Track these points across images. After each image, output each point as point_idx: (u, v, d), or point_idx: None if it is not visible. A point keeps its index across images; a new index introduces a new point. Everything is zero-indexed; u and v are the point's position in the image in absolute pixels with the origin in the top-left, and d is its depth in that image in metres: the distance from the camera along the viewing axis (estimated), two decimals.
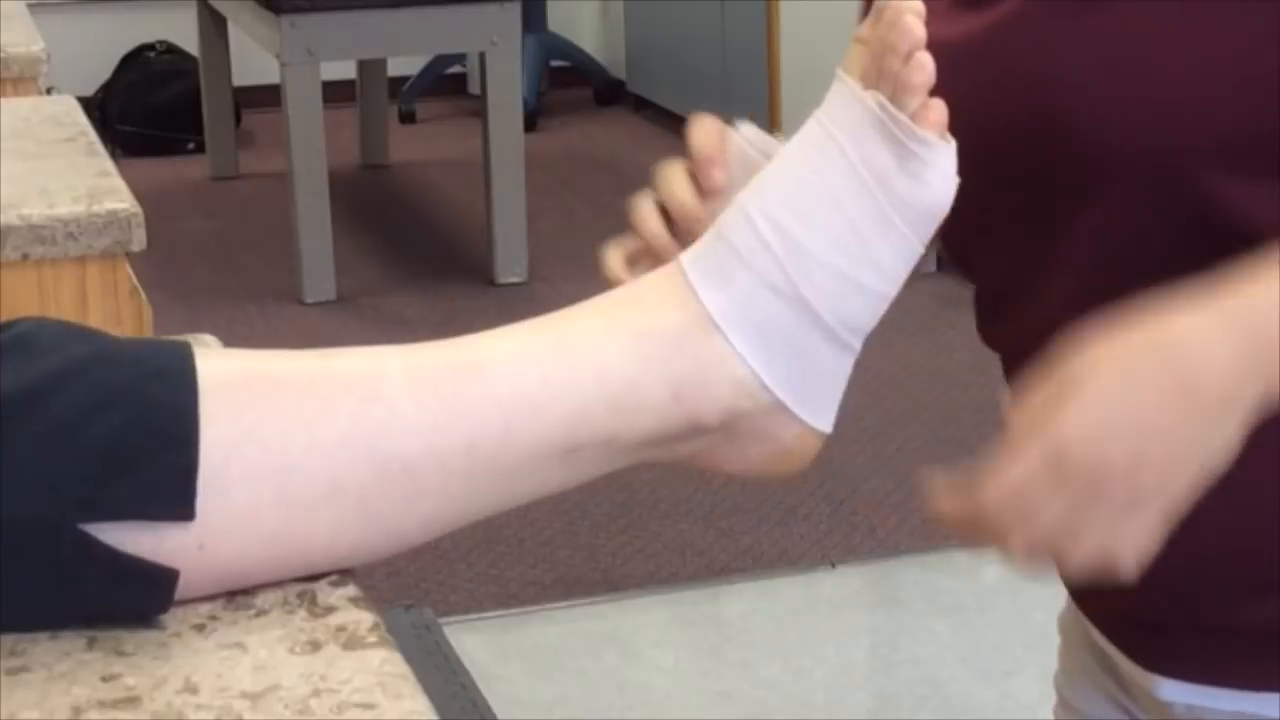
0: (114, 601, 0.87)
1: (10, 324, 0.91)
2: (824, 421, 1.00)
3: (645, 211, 1.06)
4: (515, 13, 4.78)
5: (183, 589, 0.88)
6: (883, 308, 0.99)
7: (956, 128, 0.97)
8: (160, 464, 0.86)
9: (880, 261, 0.97)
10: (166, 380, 0.88)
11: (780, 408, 0.98)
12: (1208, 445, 0.93)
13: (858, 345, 0.99)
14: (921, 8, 0.97)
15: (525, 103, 5.04)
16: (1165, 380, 0.93)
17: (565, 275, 4.91)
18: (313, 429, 0.90)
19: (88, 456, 0.85)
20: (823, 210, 0.97)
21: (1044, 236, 1.12)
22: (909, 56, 0.95)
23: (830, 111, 0.98)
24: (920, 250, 0.99)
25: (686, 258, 0.98)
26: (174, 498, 0.86)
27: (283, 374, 0.92)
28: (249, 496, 0.88)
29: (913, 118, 0.96)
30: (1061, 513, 0.94)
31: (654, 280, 0.98)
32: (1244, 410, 0.93)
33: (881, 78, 0.97)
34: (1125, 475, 0.92)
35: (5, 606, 0.86)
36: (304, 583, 0.92)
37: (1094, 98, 1.06)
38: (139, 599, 0.88)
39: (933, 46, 0.96)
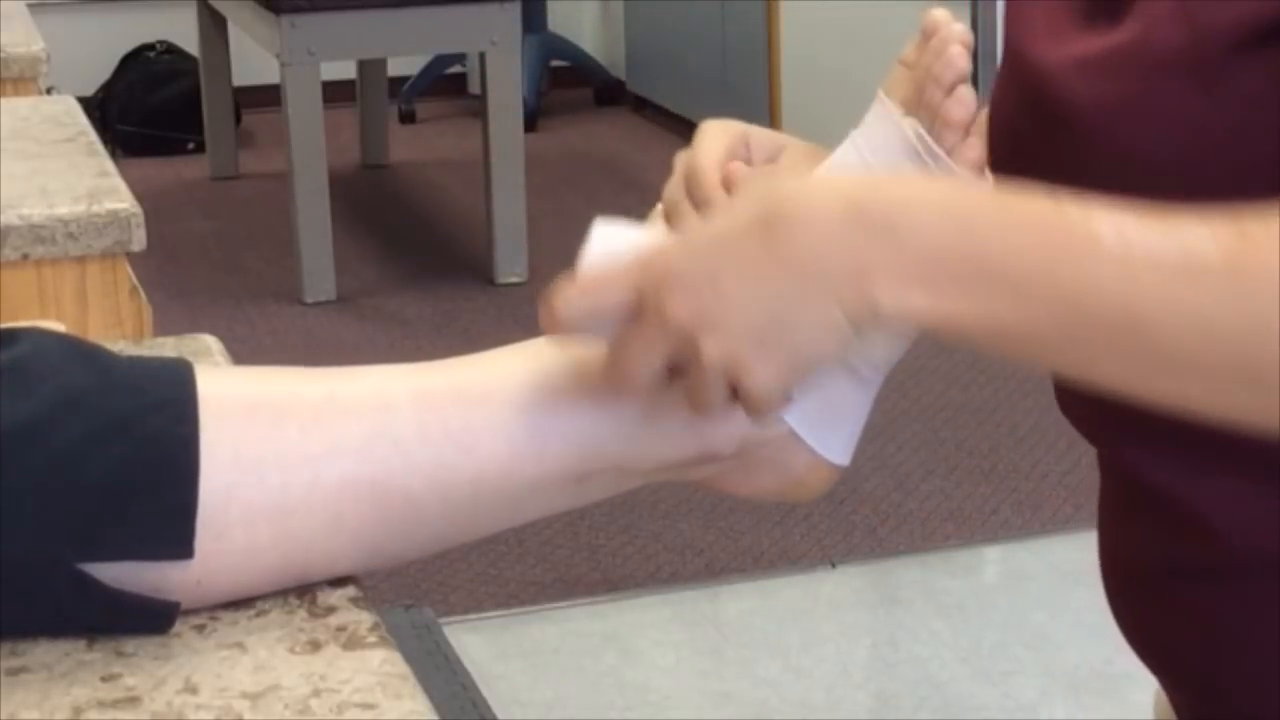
0: (113, 630, 0.87)
1: (8, 338, 0.89)
2: (839, 454, 0.99)
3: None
4: (515, 13, 4.78)
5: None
6: (904, 345, 0.98)
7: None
8: (159, 503, 0.85)
9: None
10: (167, 412, 0.87)
11: (794, 439, 0.97)
12: (781, 306, 0.83)
13: (879, 380, 0.98)
14: (969, 38, 0.95)
15: (525, 103, 5.03)
16: (768, 235, 0.82)
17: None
18: (315, 466, 0.89)
19: (86, 494, 0.84)
20: None
21: None
22: (951, 89, 0.94)
23: (868, 136, 0.97)
24: None
25: None
26: (173, 538, 0.85)
27: (286, 402, 0.91)
28: (248, 536, 0.88)
29: (950, 153, 0.94)
30: (637, 343, 0.87)
31: None
32: (838, 287, 0.82)
33: (922, 107, 0.95)
34: (692, 291, 0.84)
35: (3, 635, 0.86)
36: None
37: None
38: (138, 628, 0.87)
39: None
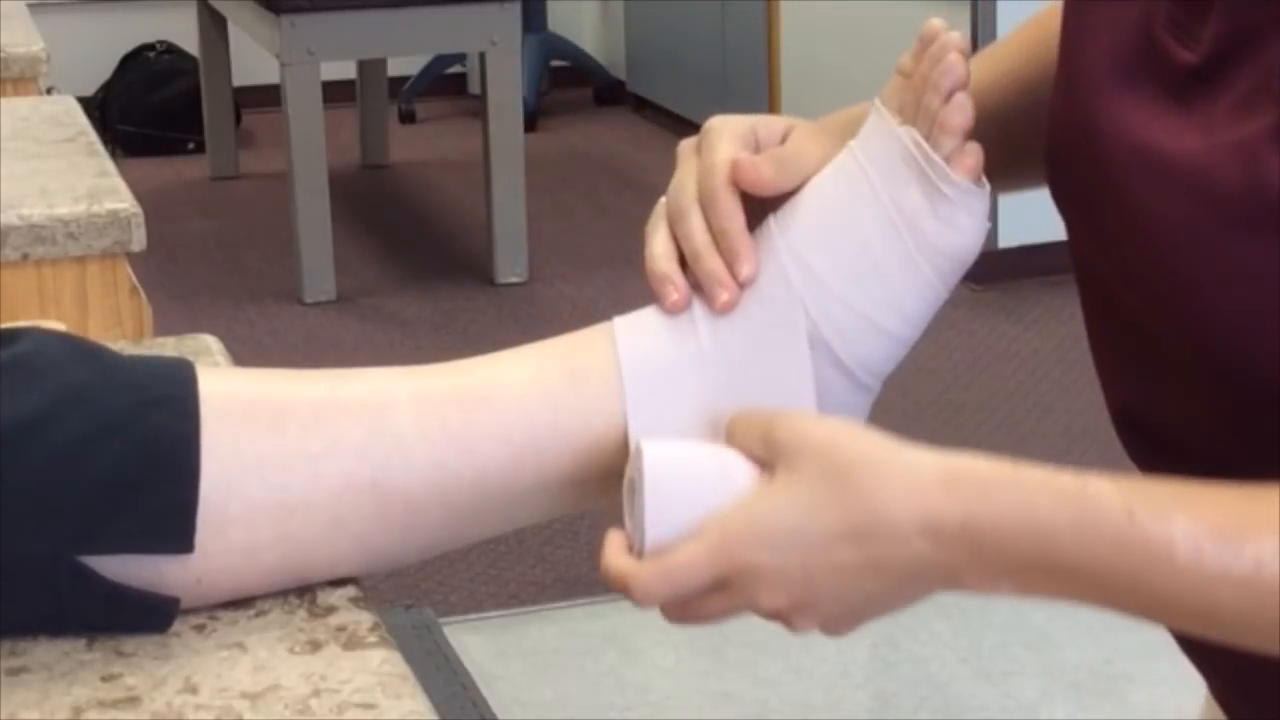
0: (113, 627, 0.87)
1: (10, 336, 0.90)
2: None
3: (661, 246, 0.98)
4: (515, 13, 4.78)
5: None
6: (902, 351, 0.98)
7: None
8: (160, 498, 0.85)
9: (903, 305, 0.96)
10: (168, 408, 0.87)
11: None
12: (878, 600, 0.88)
13: (876, 386, 0.98)
14: (966, 46, 0.95)
15: (525, 103, 5.03)
16: (861, 549, 0.86)
17: (565, 275, 4.91)
18: (316, 465, 0.89)
19: (87, 489, 0.84)
20: (849, 249, 0.95)
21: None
22: (949, 96, 0.94)
23: (865, 144, 0.97)
24: (944, 296, 0.97)
25: None
26: (173, 533, 0.86)
27: (287, 401, 0.91)
28: (248, 534, 0.88)
29: (948, 160, 0.94)
30: (715, 607, 0.93)
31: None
32: (932, 588, 0.88)
33: (920, 114, 0.95)
34: (784, 587, 0.88)
35: (4, 632, 0.86)
36: None
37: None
38: (139, 624, 0.87)
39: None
